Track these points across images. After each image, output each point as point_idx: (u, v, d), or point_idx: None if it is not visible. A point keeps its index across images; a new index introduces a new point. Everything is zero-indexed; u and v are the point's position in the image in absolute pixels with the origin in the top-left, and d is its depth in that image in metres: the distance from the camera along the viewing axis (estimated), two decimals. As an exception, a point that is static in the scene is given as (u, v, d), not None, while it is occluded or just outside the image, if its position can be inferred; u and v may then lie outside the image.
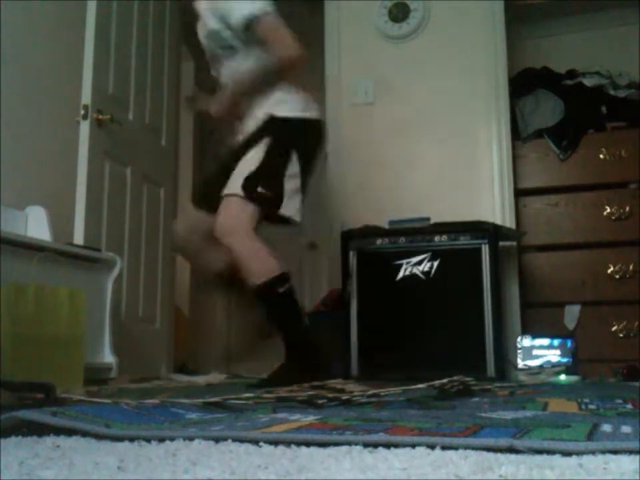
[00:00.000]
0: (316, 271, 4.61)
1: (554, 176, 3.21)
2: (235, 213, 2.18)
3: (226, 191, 2.19)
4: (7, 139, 2.62)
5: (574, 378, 2.42)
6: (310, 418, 0.96)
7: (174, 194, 3.73)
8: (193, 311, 4.51)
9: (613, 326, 2.99)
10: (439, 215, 2.84)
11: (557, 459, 0.64)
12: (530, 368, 2.55)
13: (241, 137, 2.44)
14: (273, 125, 2.32)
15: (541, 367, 2.55)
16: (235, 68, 2.37)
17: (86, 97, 2.80)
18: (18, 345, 1.94)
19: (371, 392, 1.30)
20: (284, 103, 2.40)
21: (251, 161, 2.22)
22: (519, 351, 2.59)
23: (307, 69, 2.52)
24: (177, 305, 3.95)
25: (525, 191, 3.22)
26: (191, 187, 4.43)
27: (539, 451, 0.66)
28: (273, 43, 2.23)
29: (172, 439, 0.76)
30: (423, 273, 2.67)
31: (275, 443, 0.74)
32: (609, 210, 3.07)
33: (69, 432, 0.82)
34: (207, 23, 2.41)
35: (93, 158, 2.80)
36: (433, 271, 2.66)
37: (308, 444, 0.73)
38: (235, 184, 2.18)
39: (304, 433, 0.79)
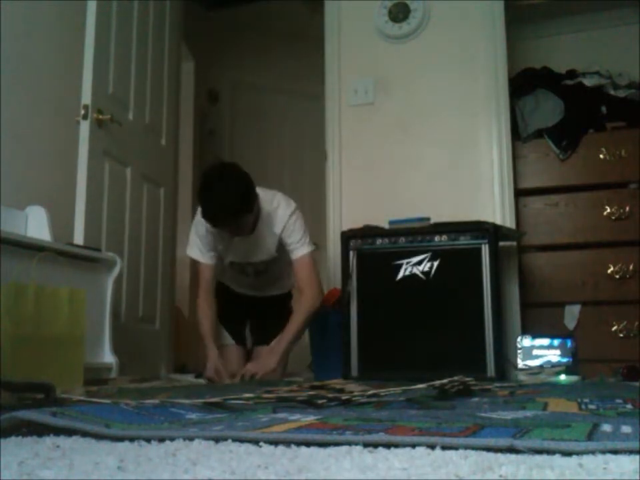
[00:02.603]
0: (316, 271, 4.60)
1: (554, 176, 3.20)
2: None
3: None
4: (7, 139, 2.62)
5: (574, 378, 2.42)
6: (310, 418, 0.96)
7: (174, 194, 3.73)
8: (193, 310, 4.50)
9: (613, 326, 2.99)
10: (439, 215, 2.84)
11: (557, 458, 0.64)
12: (530, 368, 2.55)
13: None
14: None
15: (541, 367, 2.55)
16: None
17: (86, 97, 2.80)
18: (18, 345, 1.94)
19: (371, 392, 1.30)
20: None
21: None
22: (519, 351, 2.59)
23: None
24: (177, 305, 3.95)
25: (524, 191, 3.22)
26: (191, 191, 4.44)
27: (539, 451, 0.66)
28: (310, 279, 2.66)
29: (172, 439, 0.76)
30: (423, 273, 2.67)
31: (274, 443, 0.74)
32: (609, 210, 3.07)
33: (69, 432, 0.82)
34: (269, 248, 2.68)
35: (93, 158, 2.80)
36: (433, 271, 2.65)
37: (308, 444, 0.73)
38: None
39: (304, 432, 0.79)
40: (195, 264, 2.85)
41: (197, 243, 2.69)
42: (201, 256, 2.71)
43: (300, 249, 2.65)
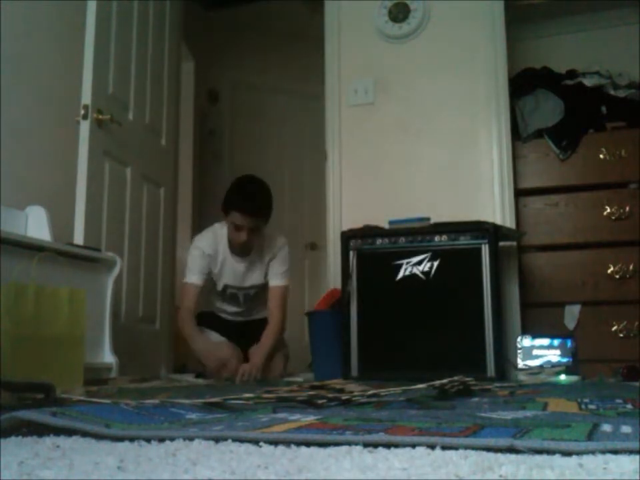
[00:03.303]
0: (316, 271, 4.61)
1: (554, 176, 3.21)
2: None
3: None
4: (7, 139, 2.62)
5: (574, 378, 2.42)
6: (310, 418, 0.96)
7: (174, 194, 3.73)
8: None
9: (613, 326, 2.99)
10: (439, 215, 2.84)
11: (557, 458, 0.64)
12: (530, 368, 2.55)
13: None
14: None
15: (541, 367, 2.55)
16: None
17: (86, 97, 2.80)
18: (18, 345, 1.94)
19: (371, 392, 1.30)
20: None
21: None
22: (519, 351, 2.59)
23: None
24: (177, 305, 3.95)
25: (524, 191, 3.22)
26: (191, 191, 4.44)
27: (539, 451, 0.66)
28: (281, 308, 2.89)
29: (172, 439, 0.76)
30: (423, 273, 2.67)
31: (275, 443, 0.74)
32: (609, 210, 3.07)
33: (69, 432, 0.82)
34: (259, 273, 2.94)
35: (93, 158, 2.80)
36: (433, 271, 2.65)
37: (308, 444, 0.73)
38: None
39: (304, 432, 0.79)
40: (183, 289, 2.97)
41: (190, 267, 2.86)
42: (198, 277, 2.86)
43: (281, 280, 2.91)
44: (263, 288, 2.96)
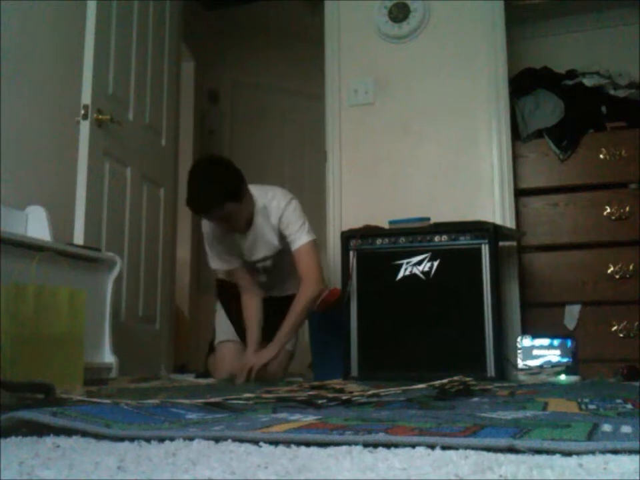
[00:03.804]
0: (316, 271, 4.60)
1: (554, 176, 3.21)
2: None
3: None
4: (7, 138, 2.62)
5: (574, 378, 2.42)
6: (310, 418, 0.96)
7: (174, 194, 3.73)
8: (193, 311, 4.51)
9: (613, 326, 2.99)
10: (439, 215, 2.84)
11: (557, 458, 0.64)
12: (530, 368, 2.55)
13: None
14: None
15: (541, 367, 2.55)
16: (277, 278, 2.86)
17: (86, 97, 2.80)
18: (18, 345, 1.94)
19: (371, 392, 1.30)
20: None
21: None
22: (519, 351, 2.59)
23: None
24: (176, 304, 3.95)
25: (524, 191, 3.22)
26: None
27: (539, 451, 0.66)
28: (305, 272, 2.65)
29: (172, 439, 0.76)
30: (423, 273, 2.67)
31: (275, 442, 0.74)
32: (609, 210, 3.07)
33: (69, 432, 0.82)
34: (270, 241, 2.71)
35: (93, 158, 2.80)
36: (433, 271, 2.65)
37: (308, 444, 0.73)
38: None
39: (304, 433, 0.79)
40: (199, 267, 2.88)
41: (212, 254, 2.75)
42: (221, 263, 2.76)
43: (298, 240, 2.65)
44: (284, 257, 2.75)
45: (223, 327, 2.92)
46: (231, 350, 2.85)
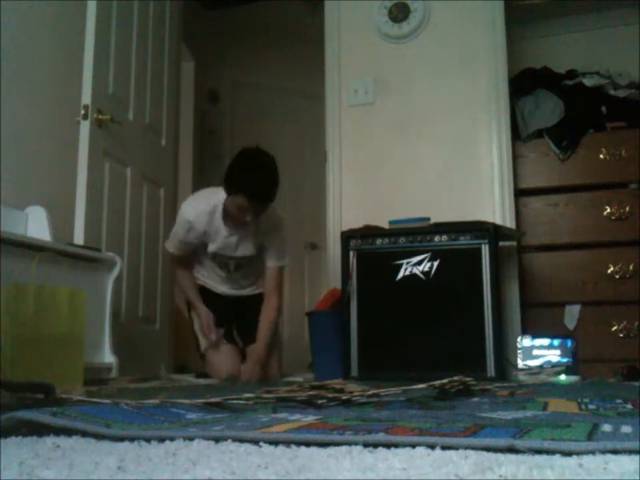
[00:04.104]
0: (316, 271, 4.61)
1: (554, 176, 3.21)
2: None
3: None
4: (7, 138, 2.62)
5: (574, 378, 2.42)
6: (310, 418, 0.96)
7: (174, 194, 3.73)
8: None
9: (613, 326, 2.99)
10: (439, 215, 2.84)
11: (557, 458, 0.64)
12: (530, 368, 2.55)
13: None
14: None
15: (541, 367, 2.55)
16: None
17: (86, 97, 2.80)
18: (18, 345, 1.94)
19: (371, 392, 1.30)
20: None
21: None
22: (519, 351, 2.59)
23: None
24: (176, 305, 3.95)
25: (525, 191, 3.22)
26: (191, 191, 4.44)
27: (539, 451, 0.66)
28: (278, 289, 2.83)
29: (172, 439, 0.76)
30: (423, 273, 2.67)
31: (275, 442, 0.74)
32: (608, 210, 3.07)
33: (69, 432, 0.82)
34: (251, 244, 2.77)
35: (93, 158, 2.80)
36: (433, 271, 2.65)
37: (308, 444, 0.73)
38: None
39: (304, 433, 0.79)
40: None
41: (176, 237, 2.77)
42: (175, 248, 2.81)
43: (280, 260, 2.81)
44: (255, 259, 2.82)
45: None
46: (228, 351, 2.85)
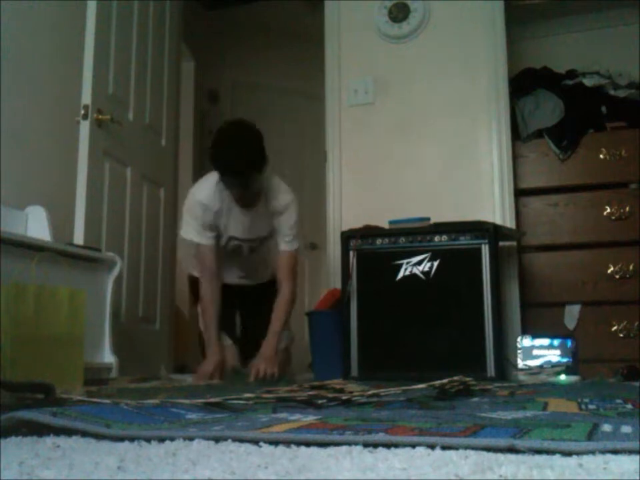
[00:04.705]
0: (316, 271, 4.61)
1: (554, 176, 3.21)
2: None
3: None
4: (7, 138, 2.62)
5: (574, 378, 2.42)
6: (310, 418, 0.96)
7: (174, 194, 3.73)
8: (193, 311, 4.50)
9: (613, 326, 2.99)
10: (439, 215, 2.84)
11: (557, 459, 0.64)
12: (530, 368, 2.55)
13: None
14: None
15: (541, 367, 2.55)
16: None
17: (86, 97, 2.80)
18: (18, 345, 1.94)
19: (371, 392, 1.30)
20: None
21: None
22: (519, 351, 2.59)
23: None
24: (176, 305, 3.95)
25: (525, 191, 3.22)
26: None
27: (539, 451, 0.66)
28: (291, 275, 2.71)
29: (172, 439, 0.76)
30: (423, 272, 2.67)
31: (275, 442, 0.74)
32: (608, 210, 3.07)
33: (69, 432, 0.82)
34: (264, 227, 2.72)
35: (93, 158, 2.80)
36: (433, 271, 2.65)
37: (308, 444, 0.73)
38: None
39: (304, 433, 0.79)
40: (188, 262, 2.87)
41: (194, 225, 2.64)
42: (199, 237, 2.65)
43: (290, 243, 2.69)
44: (268, 239, 2.77)
45: None
46: (228, 350, 2.83)
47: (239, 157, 2.43)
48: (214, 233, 2.66)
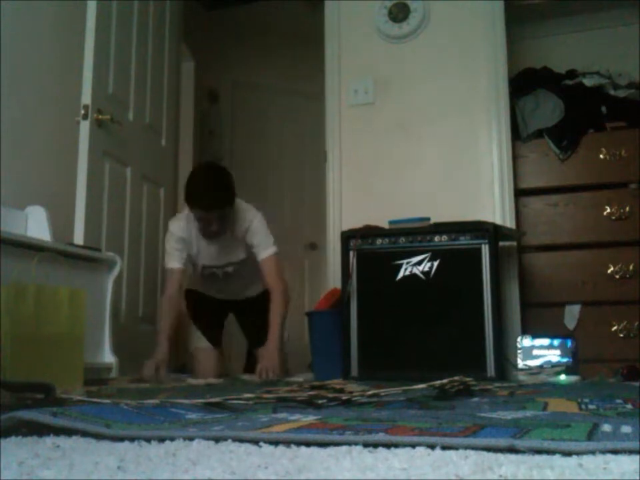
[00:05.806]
0: (316, 271, 4.61)
1: (554, 176, 3.20)
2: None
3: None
4: (7, 139, 2.62)
5: (574, 378, 2.42)
6: (310, 418, 0.96)
7: (174, 194, 3.73)
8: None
9: (613, 326, 2.99)
10: (439, 215, 2.84)
11: (557, 459, 0.64)
12: (530, 368, 2.55)
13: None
14: None
15: (541, 367, 2.55)
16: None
17: (86, 97, 2.80)
18: (18, 345, 1.94)
19: (371, 392, 1.30)
20: None
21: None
22: (519, 351, 2.59)
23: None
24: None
25: (524, 191, 3.22)
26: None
27: (539, 451, 0.66)
28: (277, 277, 2.82)
29: (172, 439, 0.76)
30: (422, 273, 2.67)
31: (275, 443, 0.74)
32: (608, 210, 3.07)
33: (69, 432, 0.82)
34: (237, 253, 2.89)
35: (93, 158, 2.80)
36: (433, 271, 2.65)
37: (308, 444, 0.73)
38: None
39: (304, 433, 0.79)
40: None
41: (167, 251, 2.85)
42: (169, 262, 2.84)
43: (264, 251, 2.82)
44: (246, 266, 2.91)
45: (198, 332, 3.03)
46: (206, 355, 2.98)
47: (209, 193, 2.66)
48: (182, 260, 2.83)
